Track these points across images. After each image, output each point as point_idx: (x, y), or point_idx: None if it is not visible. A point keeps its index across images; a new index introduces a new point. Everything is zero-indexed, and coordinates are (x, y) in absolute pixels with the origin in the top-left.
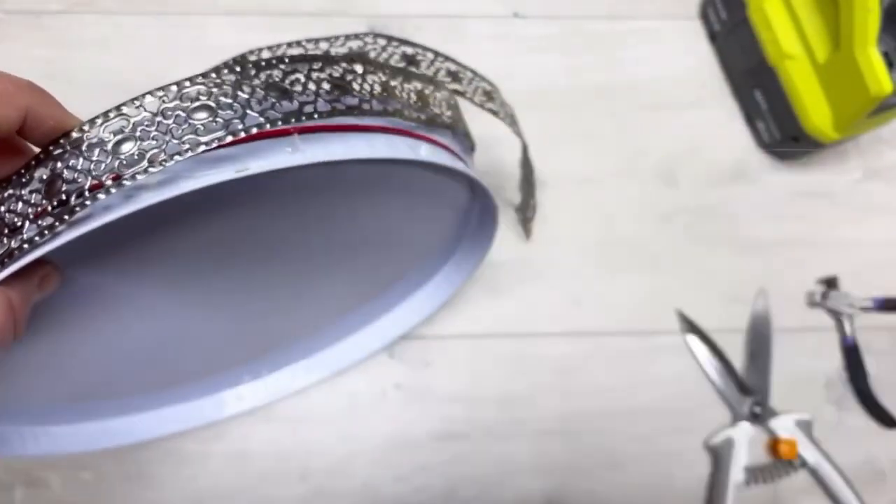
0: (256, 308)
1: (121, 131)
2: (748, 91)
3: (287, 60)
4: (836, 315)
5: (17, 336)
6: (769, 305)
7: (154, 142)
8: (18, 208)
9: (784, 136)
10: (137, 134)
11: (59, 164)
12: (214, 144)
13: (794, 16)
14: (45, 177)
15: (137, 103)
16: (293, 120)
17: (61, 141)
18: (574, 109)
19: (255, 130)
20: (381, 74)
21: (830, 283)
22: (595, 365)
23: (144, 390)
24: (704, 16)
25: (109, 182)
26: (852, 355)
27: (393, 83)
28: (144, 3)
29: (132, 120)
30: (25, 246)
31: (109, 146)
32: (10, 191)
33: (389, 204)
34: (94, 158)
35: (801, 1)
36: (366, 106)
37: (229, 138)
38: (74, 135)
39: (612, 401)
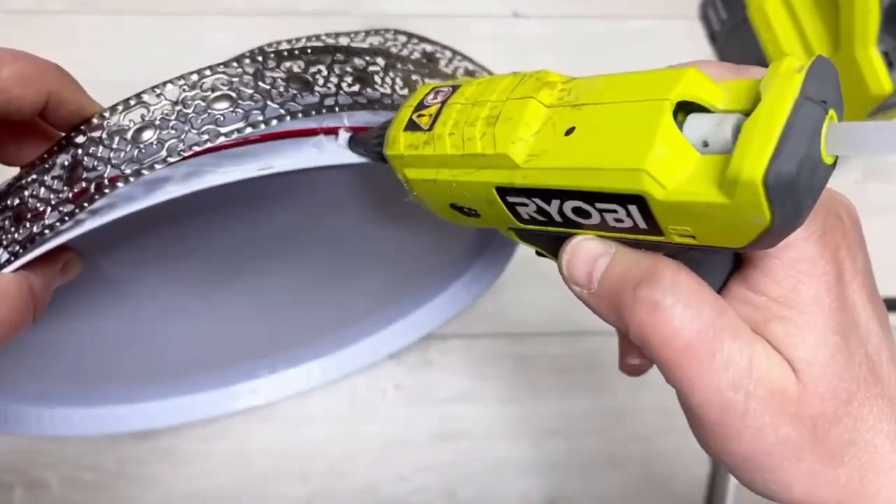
0: (274, 306)
1: (140, 119)
2: None
3: (310, 51)
4: None
5: (34, 319)
6: None
7: (173, 131)
8: (41, 193)
9: None
10: (157, 122)
11: (79, 151)
12: (234, 136)
13: (794, 16)
14: (66, 163)
15: (158, 91)
16: (314, 112)
17: (82, 127)
18: None
19: (274, 122)
20: (403, 68)
21: None
22: (595, 365)
23: (161, 378)
24: (704, 16)
25: (129, 171)
26: None
27: (414, 77)
28: (145, 3)
29: (152, 108)
30: (47, 232)
31: (129, 134)
32: (34, 175)
33: (412, 215)
34: (114, 146)
35: (802, 1)
36: (387, 101)
37: (249, 130)
38: (95, 121)
39: (612, 401)
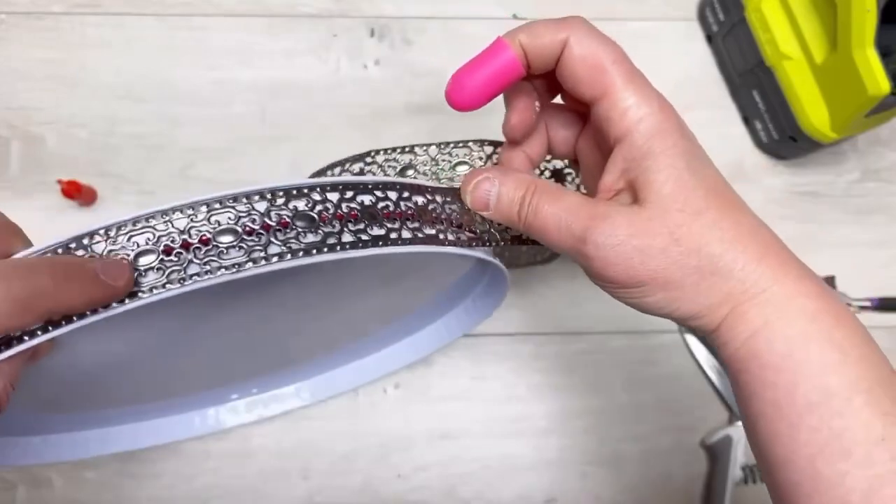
0: (252, 339)
1: None
2: (746, 91)
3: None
4: None
5: (1, 411)
6: None
7: None
8: None
9: (782, 136)
10: None
11: None
12: (160, 296)
13: (792, 17)
14: None
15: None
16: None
17: None
18: None
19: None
20: (419, 197)
21: (828, 283)
22: (595, 365)
23: (142, 401)
24: (702, 17)
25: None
26: None
27: (431, 206)
28: (146, 5)
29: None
30: (3, 347)
31: None
32: None
33: (398, 269)
34: None
35: (799, 2)
36: (394, 235)
37: (161, 294)
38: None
39: (611, 400)
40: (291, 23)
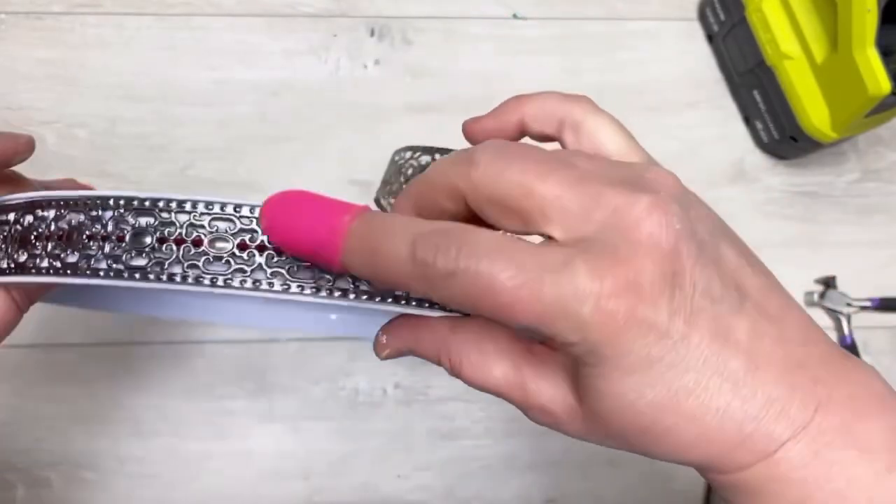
0: None
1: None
2: (746, 91)
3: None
4: (835, 314)
5: (20, 316)
6: None
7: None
8: (43, 233)
9: (782, 135)
10: (180, 252)
11: (87, 221)
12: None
13: (793, 16)
14: (74, 223)
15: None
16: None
17: (110, 202)
18: None
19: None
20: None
21: (828, 283)
22: None
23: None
24: (703, 16)
25: (150, 266)
26: None
27: None
28: (146, 4)
29: (181, 223)
30: (33, 271)
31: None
32: (47, 213)
33: None
34: (128, 238)
35: (799, 1)
36: None
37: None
38: (124, 200)
39: None
40: (291, 23)
